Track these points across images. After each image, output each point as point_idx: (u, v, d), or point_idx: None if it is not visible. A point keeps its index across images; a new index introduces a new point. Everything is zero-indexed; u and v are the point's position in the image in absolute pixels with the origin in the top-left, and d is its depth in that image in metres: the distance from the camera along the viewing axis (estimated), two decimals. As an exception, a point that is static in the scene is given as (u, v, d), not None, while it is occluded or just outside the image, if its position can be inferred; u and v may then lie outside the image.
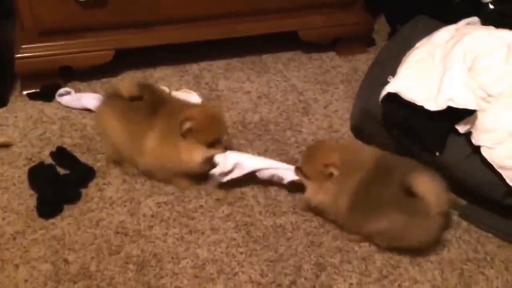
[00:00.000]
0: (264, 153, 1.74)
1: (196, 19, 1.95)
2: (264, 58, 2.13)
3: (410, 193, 1.34)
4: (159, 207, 1.57)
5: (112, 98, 1.59)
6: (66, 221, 1.52)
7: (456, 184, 1.47)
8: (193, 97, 1.88)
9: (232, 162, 1.54)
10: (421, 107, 1.47)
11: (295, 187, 1.58)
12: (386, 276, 1.43)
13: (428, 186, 1.34)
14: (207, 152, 1.53)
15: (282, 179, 1.57)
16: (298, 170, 1.52)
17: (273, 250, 1.47)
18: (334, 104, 1.92)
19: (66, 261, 1.43)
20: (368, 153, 1.47)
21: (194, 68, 2.06)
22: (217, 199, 1.60)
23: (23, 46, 1.85)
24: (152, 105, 1.54)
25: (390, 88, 1.50)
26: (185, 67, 2.07)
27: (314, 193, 1.48)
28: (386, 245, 1.46)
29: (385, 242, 1.45)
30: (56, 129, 1.80)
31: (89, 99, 1.87)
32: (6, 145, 1.72)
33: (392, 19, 2.09)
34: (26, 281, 1.38)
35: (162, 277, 1.41)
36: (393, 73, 1.54)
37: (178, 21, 1.93)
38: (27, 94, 1.91)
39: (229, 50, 2.12)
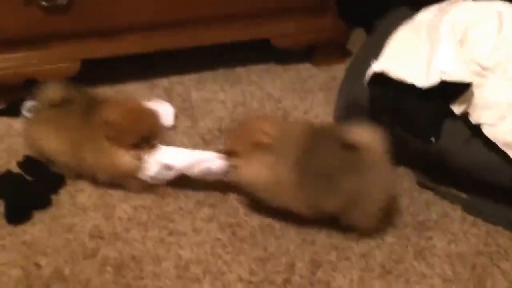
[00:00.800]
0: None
1: (161, 26, 1.87)
2: (237, 70, 2.06)
3: (349, 149, 1.25)
4: (136, 210, 1.46)
5: (41, 111, 1.49)
6: (37, 227, 1.40)
7: (458, 173, 1.38)
8: (165, 108, 1.80)
9: (158, 166, 1.43)
10: (412, 86, 1.37)
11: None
12: (390, 272, 1.32)
13: (361, 133, 1.25)
14: (134, 155, 1.41)
15: (212, 170, 1.42)
16: (226, 151, 1.37)
17: (262, 249, 1.36)
18: (314, 110, 1.86)
19: (37, 265, 1.30)
20: (302, 125, 1.36)
21: (164, 82, 1.98)
22: (197, 202, 1.49)
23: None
24: (86, 108, 1.44)
25: (376, 67, 1.41)
26: (154, 81, 1.98)
27: (250, 170, 1.32)
28: (350, 219, 1.34)
29: (350, 213, 1.32)
30: (23, 141, 1.67)
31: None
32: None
33: (367, 18, 2.04)
34: (-7, 287, 1.24)
35: (142, 278, 1.28)
36: (377, 58, 1.47)
37: (143, 28, 1.85)
38: (-9, 112, 1.79)
39: (200, 63, 2.05)
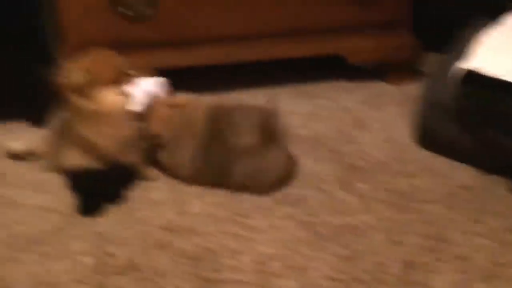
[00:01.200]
0: (321, 161, 1.56)
1: (237, 39, 1.85)
2: (308, 86, 2.01)
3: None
4: (210, 206, 1.39)
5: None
6: (109, 219, 1.34)
7: None
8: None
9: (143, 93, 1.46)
10: (509, 85, 1.27)
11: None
12: (494, 275, 1.18)
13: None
14: (117, 91, 1.45)
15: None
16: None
17: (346, 248, 1.26)
18: (390, 121, 1.77)
19: (110, 254, 1.23)
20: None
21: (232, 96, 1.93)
22: (275, 200, 1.40)
23: (64, 61, 1.73)
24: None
25: (467, 65, 1.33)
26: (226, 95, 1.94)
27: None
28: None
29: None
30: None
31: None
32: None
33: (441, 40, 1.96)
34: (68, 272, 1.17)
35: (221, 272, 1.19)
36: (464, 58, 1.37)
37: (219, 40, 1.84)
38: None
39: (268, 80, 2.01)
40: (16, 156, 1.56)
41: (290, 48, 1.90)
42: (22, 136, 1.64)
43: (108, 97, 1.42)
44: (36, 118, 1.72)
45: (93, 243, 1.26)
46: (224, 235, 1.29)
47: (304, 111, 1.83)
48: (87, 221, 1.33)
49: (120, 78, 1.44)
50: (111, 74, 1.43)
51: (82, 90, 1.41)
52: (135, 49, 1.76)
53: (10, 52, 1.65)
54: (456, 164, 1.50)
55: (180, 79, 1.86)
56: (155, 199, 1.40)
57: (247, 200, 1.40)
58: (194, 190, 1.43)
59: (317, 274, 1.19)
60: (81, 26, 1.70)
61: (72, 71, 1.41)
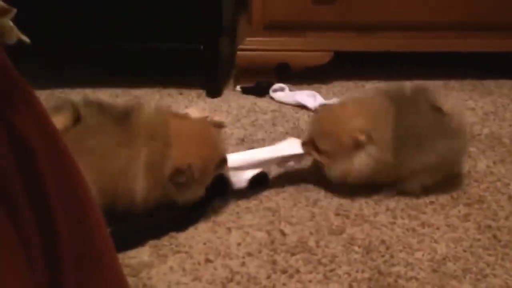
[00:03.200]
0: (500, 163, 1.41)
1: (419, 28, 1.72)
2: (485, 83, 1.83)
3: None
4: (384, 196, 1.28)
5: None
6: (281, 196, 1.29)
7: None
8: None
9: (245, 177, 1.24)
10: None
11: None
12: None
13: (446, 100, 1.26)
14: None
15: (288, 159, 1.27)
16: (307, 144, 1.25)
17: (529, 258, 1.11)
18: None
19: (282, 232, 1.18)
20: (379, 98, 1.27)
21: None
22: (451, 198, 1.28)
23: (248, 39, 1.73)
24: (117, 120, 1.11)
25: None
26: (398, 82, 1.81)
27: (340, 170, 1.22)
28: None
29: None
30: (268, 119, 1.62)
31: (304, 96, 1.69)
32: (219, 126, 1.57)
33: None
34: (238, 244, 1.14)
35: (393, 265, 1.10)
36: None
37: (399, 28, 1.73)
38: (241, 88, 1.77)
39: (444, 72, 1.85)
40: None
41: (476, 43, 1.74)
42: (196, 104, 1.65)
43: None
44: (212, 88, 1.72)
45: (266, 219, 1.22)
46: (396, 227, 1.20)
47: (483, 109, 1.66)
48: (259, 196, 1.29)
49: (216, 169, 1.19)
50: (211, 172, 1.17)
51: None
52: (316, 30, 1.72)
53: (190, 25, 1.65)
54: None
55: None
56: (328, 181, 1.32)
57: (421, 194, 1.29)
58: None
59: (497, 282, 1.06)
60: (266, 5, 1.67)
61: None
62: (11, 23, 0.60)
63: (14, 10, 0.59)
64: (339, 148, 1.21)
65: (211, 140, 1.18)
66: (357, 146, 1.20)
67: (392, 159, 1.21)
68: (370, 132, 1.19)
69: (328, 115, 1.28)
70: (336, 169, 1.23)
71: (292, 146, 1.27)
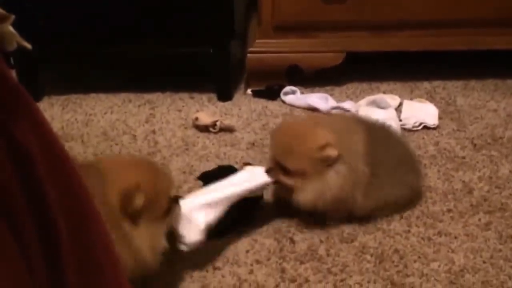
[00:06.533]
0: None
1: (433, 26, 1.65)
2: (508, 82, 1.75)
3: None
4: (399, 204, 1.23)
5: None
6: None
7: None
8: (429, 108, 1.58)
9: (198, 214, 1.03)
10: None
11: None
12: None
13: None
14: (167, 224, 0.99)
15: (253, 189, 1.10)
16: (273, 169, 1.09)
17: (553, 270, 1.04)
18: None
19: (291, 239, 1.13)
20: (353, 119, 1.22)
21: (425, 85, 1.74)
22: (471, 206, 1.21)
23: (258, 41, 1.68)
24: None
25: None
26: (415, 83, 1.75)
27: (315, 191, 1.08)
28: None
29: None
30: (278, 122, 1.56)
31: (316, 99, 1.64)
32: (229, 130, 1.52)
33: None
34: (247, 251, 1.10)
35: (407, 276, 1.04)
36: None
37: (413, 27, 1.65)
38: (252, 91, 1.72)
39: (464, 71, 1.78)
40: (201, 127, 1.52)
41: (498, 40, 1.65)
42: (208, 109, 1.61)
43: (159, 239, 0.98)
44: (223, 92, 1.68)
45: (275, 226, 1.17)
46: (411, 235, 1.14)
47: (506, 110, 1.59)
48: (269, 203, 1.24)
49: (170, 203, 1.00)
50: (166, 204, 0.98)
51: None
52: (327, 31, 1.66)
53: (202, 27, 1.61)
54: None
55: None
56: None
57: (438, 202, 1.22)
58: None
59: (519, 295, 1.00)
60: (275, 5, 1.62)
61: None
62: (11, 29, 0.58)
63: (13, 17, 0.57)
64: (310, 166, 1.07)
65: (154, 166, 1.03)
66: (329, 162, 1.07)
67: (366, 171, 1.10)
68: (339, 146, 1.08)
69: (288, 131, 1.15)
70: (309, 191, 1.08)
71: (253, 176, 1.10)
